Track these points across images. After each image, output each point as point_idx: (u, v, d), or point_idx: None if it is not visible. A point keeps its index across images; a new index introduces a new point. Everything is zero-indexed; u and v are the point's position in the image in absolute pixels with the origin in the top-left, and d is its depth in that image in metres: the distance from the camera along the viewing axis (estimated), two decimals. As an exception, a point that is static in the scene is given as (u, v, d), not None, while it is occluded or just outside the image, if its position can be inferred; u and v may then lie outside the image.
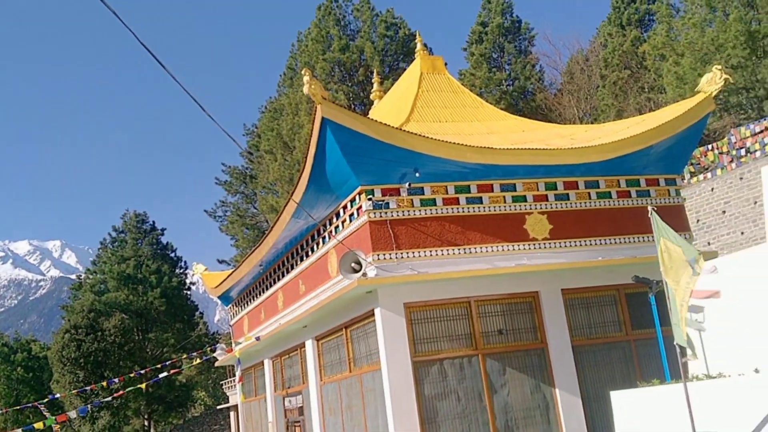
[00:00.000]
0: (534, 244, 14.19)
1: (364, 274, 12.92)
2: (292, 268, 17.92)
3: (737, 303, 9.11)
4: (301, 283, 17.29)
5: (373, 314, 13.34)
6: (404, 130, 13.88)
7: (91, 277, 57.23)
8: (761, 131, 30.50)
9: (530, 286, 14.03)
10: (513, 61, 47.57)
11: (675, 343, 7.80)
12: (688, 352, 7.81)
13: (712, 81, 15.60)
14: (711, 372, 9.09)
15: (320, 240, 15.86)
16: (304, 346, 17.47)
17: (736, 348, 8.82)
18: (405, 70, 27.20)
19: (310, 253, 16.56)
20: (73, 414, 16.93)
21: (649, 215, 8.44)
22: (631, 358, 14.29)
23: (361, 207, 13.54)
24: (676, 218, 15.45)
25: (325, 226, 15.48)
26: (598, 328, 14.44)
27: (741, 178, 29.00)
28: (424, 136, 13.61)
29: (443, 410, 12.90)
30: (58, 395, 34.52)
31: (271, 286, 20.03)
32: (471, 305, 13.66)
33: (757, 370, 8.13)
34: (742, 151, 30.41)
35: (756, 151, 29.78)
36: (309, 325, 16.64)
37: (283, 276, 18.79)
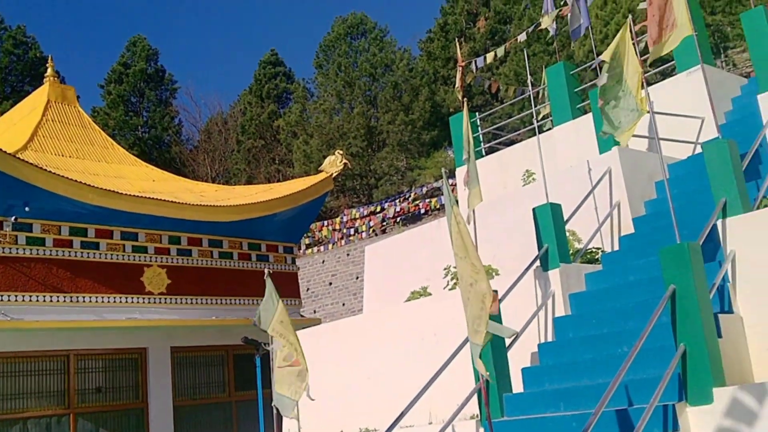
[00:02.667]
0: (149, 298, 13.70)
1: (-60, 317, 11.01)
2: None
3: (334, 369, 9.87)
4: None
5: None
6: (16, 157, 12.46)
7: None
8: (368, 215, 34.51)
9: (139, 341, 13.46)
10: (152, 109, 46.64)
11: (273, 404, 8.09)
12: (292, 410, 8.15)
13: (334, 164, 17.21)
14: (303, 433, 9.61)
15: None
16: None
17: (327, 411, 9.49)
18: (29, 94, 24.71)
19: None
20: None
21: (265, 278, 8.77)
22: (230, 419, 14.47)
23: (-52, 238, 11.64)
24: (290, 285, 16.37)
25: None
26: (203, 388, 14.40)
27: (348, 254, 32.19)
28: (40, 167, 12.40)
29: (19, 477, 11.41)
30: None
31: None
32: (70, 359, 12.55)
33: None
34: (352, 230, 33.94)
35: (363, 231, 33.50)
36: None
37: None
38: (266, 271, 8.89)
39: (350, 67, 41.65)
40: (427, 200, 31.53)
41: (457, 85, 14.08)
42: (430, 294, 10.10)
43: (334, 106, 41.47)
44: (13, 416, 11.66)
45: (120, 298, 13.29)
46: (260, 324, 8.25)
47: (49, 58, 19.05)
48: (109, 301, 13.12)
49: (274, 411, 8.32)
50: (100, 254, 13.30)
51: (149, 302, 13.69)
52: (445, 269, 10.22)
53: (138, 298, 13.56)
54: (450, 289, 9.84)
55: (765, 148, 7.30)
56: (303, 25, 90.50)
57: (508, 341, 7.04)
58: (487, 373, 5.88)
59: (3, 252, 12.05)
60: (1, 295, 11.83)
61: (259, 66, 49.80)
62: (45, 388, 12.22)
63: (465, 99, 10.70)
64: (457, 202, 8.76)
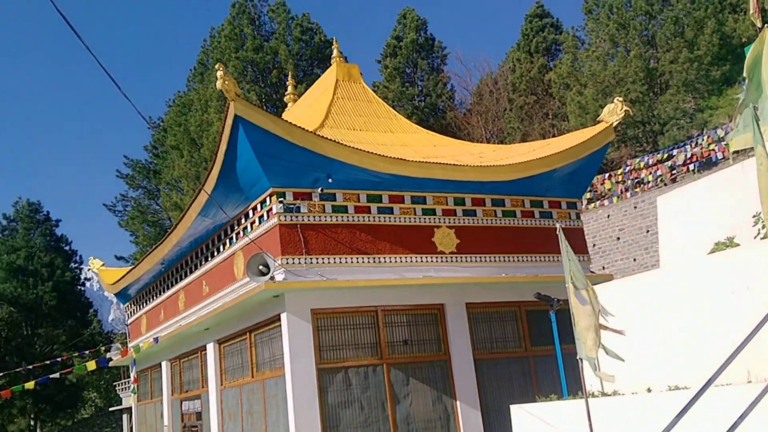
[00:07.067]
0: (441, 257, 14.43)
1: (272, 278, 12.74)
2: (196, 268, 17.46)
3: (629, 326, 9.58)
4: (204, 284, 16.86)
5: (279, 319, 13.17)
6: (318, 135, 13.84)
7: (-22, 266, 53.95)
8: (654, 164, 32.42)
9: (436, 298, 14.25)
10: (425, 78, 48.43)
11: (578, 357, 8.10)
12: (603, 372, 8.12)
13: (614, 112, 16.41)
14: (606, 390, 9.50)
15: (227, 240, 15.55)
16: (205, 349, 17.03)
17: (628, 368, 9.26)
18: (318, 76, 27.11)
19: (215, 253, 16.19)
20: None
21: (557, 233, 8.76)
22: (529, 373, 14.73)
23: (271, 209, 13.37)
24: (576, 241, 16.07)
25: (232, 226, 15.18)
26: (499, 342, 14.82)
27: (635, 207, 30.62)
28: (337, 143, 13.61)
29: (346, 419, 12.86)
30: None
31: (172, 285, 19.43)
32: (378, 314, 13.73)
33: (649, 390, 8.57)
34: (636, 182, 32.20)
35: (649, 182, 31.60)
36: (211, 327, 16.24)
37: (185, 276, 18.27)
38: (558, 226, 8.88)
39: (623, 8, 39.17)
40: (724, 143, 28.69)
41: (751, 11, 12.53)
42: (737, 245, 9.29)
43: (607, 51, 39.44)
44: (336, 365, 13.11)
45: (415, 257, 14.18)
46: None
47: (334, 41, 20.64)
48: (406, 261, 14.08)
49: (580, 363, 8.35)
50: (395, 218, 14.28)
51: (442, 261, 14.43)
52: (754, 216, 9.33)
53: (431, 257, 14.35)
54: (762, 238, 8.96)
55: None
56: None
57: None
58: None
59: (315, 220, 13.52)
60: (316, 258, 13.29)
61: (525, 20, 49.07)
62: (360, 341, 13.51)
63: (765, 25, 9.51)
64: (763, 140, 7.89)
